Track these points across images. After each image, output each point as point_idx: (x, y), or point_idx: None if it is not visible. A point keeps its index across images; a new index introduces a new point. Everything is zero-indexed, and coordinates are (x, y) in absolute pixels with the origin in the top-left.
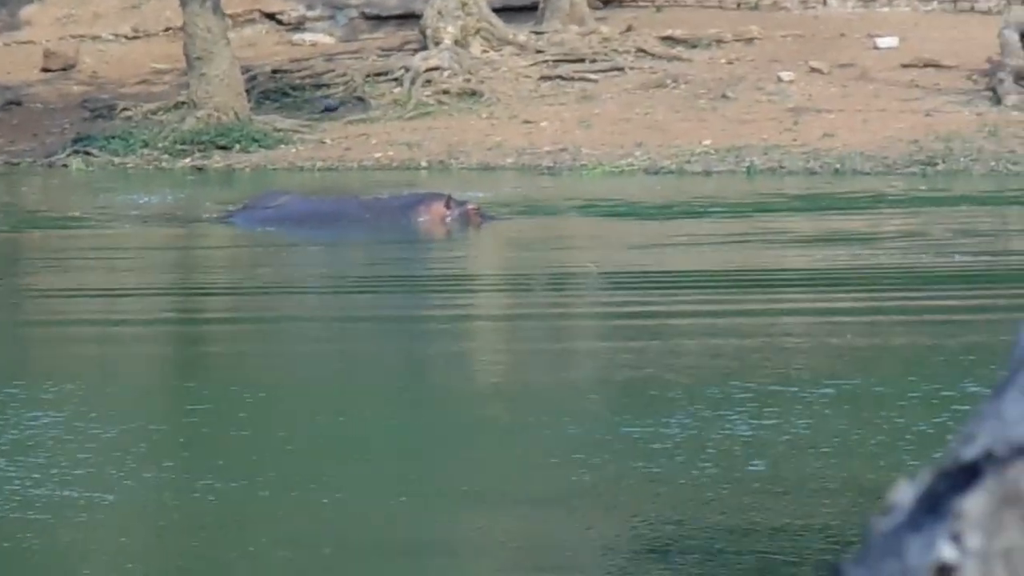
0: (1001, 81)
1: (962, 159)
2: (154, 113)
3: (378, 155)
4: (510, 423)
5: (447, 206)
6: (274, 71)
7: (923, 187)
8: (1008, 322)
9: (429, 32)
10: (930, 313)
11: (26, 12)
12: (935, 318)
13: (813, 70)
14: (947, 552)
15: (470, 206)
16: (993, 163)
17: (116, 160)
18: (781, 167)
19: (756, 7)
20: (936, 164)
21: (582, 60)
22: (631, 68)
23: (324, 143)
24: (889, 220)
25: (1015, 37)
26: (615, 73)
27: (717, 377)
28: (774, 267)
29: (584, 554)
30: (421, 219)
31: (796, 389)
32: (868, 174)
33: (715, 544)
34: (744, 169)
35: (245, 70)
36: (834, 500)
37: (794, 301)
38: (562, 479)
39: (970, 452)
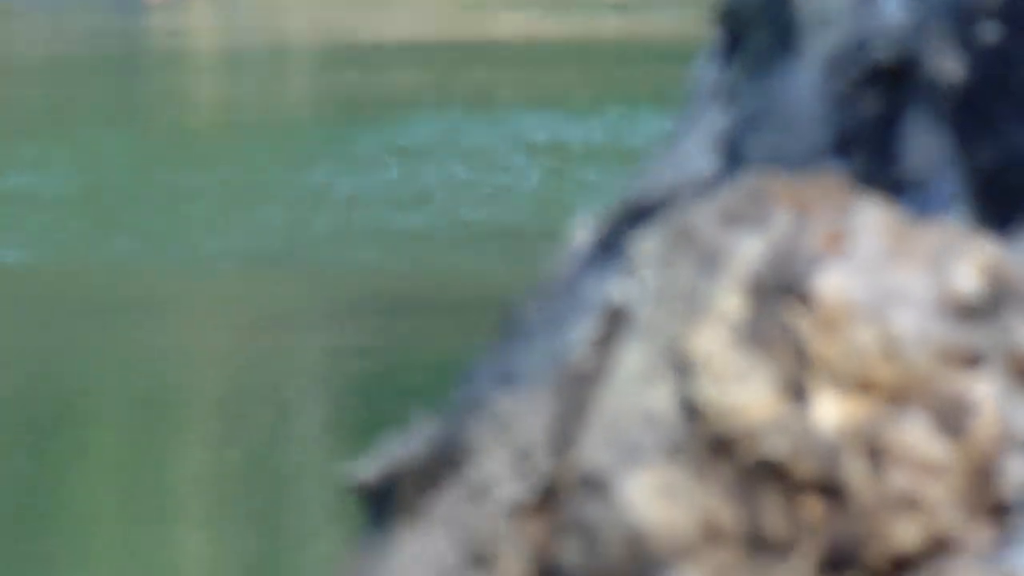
0: None
1: None
2: None
3: None
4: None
5: None
6: None
7: None
8: None
9: None
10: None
11: None
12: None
13: None
14: (621, 289)
15: None
16: None
17: None
18: None
19: None
20: None
21: None
22: None
23: None
24: None
25: None
26: None
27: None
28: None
29: (300, 311)
30: None
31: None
32: None
33: (420, 292)
34: None
35: None
36: (523, 244)
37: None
38: (276, 239)
39: (646, 193)
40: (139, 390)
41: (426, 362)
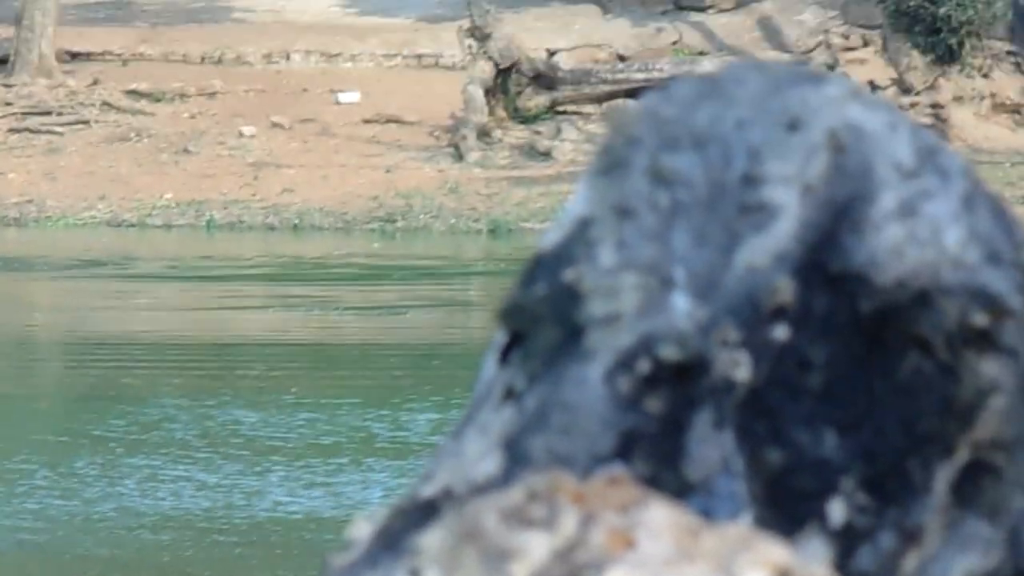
0: (464, 137)
1: (422, 216)
2: None
3: None
4: None
5: None
6: None
7: (378, 244)
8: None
9: None
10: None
11: None
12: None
13: (275, 125)
14: None
15: None
16: (453, 220)
17: None
18: (241, 222)
19: (220, 61)
20: (396, 221)
21: (49, 113)
22: (96, 121)
23: None
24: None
25: (479, 93)
26: (81, 126)
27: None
28: (228, 332)
29: None
30: None
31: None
32: (327, 230)
33: None
34: (204, 223)
35: None
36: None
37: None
38: None
39: (428, 490)
40: None
41: None
